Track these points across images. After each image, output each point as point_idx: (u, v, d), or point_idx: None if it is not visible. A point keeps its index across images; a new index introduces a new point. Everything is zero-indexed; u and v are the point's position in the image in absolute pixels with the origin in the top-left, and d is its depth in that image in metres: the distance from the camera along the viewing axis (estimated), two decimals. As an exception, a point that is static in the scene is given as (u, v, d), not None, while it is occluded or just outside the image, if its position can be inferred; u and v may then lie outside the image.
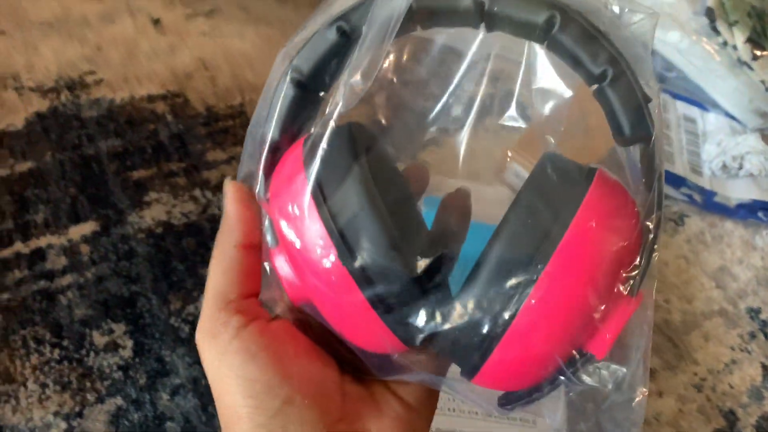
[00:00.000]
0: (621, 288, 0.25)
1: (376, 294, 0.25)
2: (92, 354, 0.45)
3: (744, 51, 0.66)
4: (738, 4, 0.67)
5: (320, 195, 0.25)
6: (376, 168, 0.26)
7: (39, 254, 0.49)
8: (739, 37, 0.66)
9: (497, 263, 0.25)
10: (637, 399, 0.27)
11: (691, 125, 0.72)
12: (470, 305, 0.25)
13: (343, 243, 0.25)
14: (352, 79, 0.25)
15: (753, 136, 0.69)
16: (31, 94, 0.57)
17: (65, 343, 0.46)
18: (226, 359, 0.25)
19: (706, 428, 0.52)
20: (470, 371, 0.26)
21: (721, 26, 0.66)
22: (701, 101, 0.74)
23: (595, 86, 0.26)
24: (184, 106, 0.60)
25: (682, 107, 0.73)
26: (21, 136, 0.54)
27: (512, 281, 0.24)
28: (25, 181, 0.52)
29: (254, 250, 0.27)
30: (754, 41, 0.66)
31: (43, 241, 0.50)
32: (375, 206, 0.25)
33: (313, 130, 0.26)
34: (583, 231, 0.24)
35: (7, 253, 0.48)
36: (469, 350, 0.25)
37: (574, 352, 0.25)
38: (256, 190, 0.28)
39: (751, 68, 0.67)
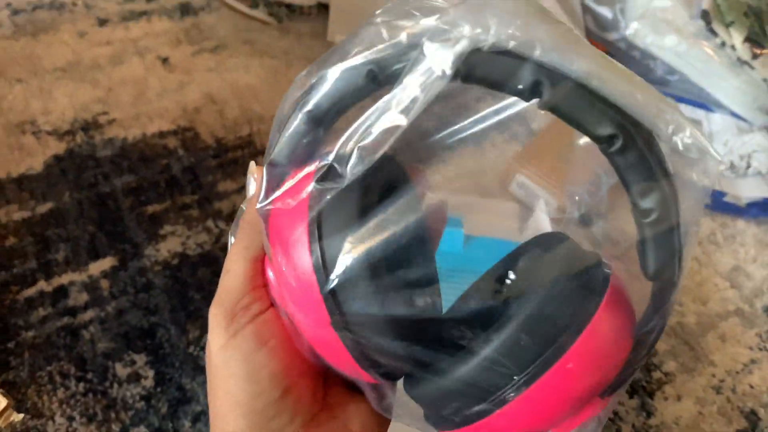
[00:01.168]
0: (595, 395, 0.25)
1: (354, 343, 0.25)
2: (116, 385, 0.47)
3: (743, 51, 0.66)
4: (734, 5, 0.67)
5: (316, 232, 0.24)
6: (392, 203, 0.25)
7: (62, 291, 0.51)
8: (737, 38, 0.66)
9: (481, 372, 0.24)
10: None
11: (697, 127, 0.72)
12: (451, 385, 0.25)
13: (335, 306, 0.24)
14: (362, 143, 0.24)
15: (759, 134, 0.69)
16: (48, 138, 0.59)
17: (89, 376, 0.47)
18: (237, 342, 0.26)
19: (728, 430, 0.52)
20: (435, 424, 0.26)
21: (717, 28, 0.66)
22: (705, 102, 0.74)
23: (634, 212, 0.25)
24: (195, 139, 0.62)
25: (686, 110, 0.73)
26: (40, 178, 0.57)
27: (499, 381, 0.24)
28: (46, 222, 0.54)
29: None
30: (752, 40, 0.66)
31: (65, 279, 0.51)
32: (380, 275, 0.24)
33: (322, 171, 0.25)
34: (587, 346, 0.24)
35: (31, 291, 0.50)
36: (441, 413, 0.26)
37: None
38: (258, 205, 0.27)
39: (752, 67, 0.67)
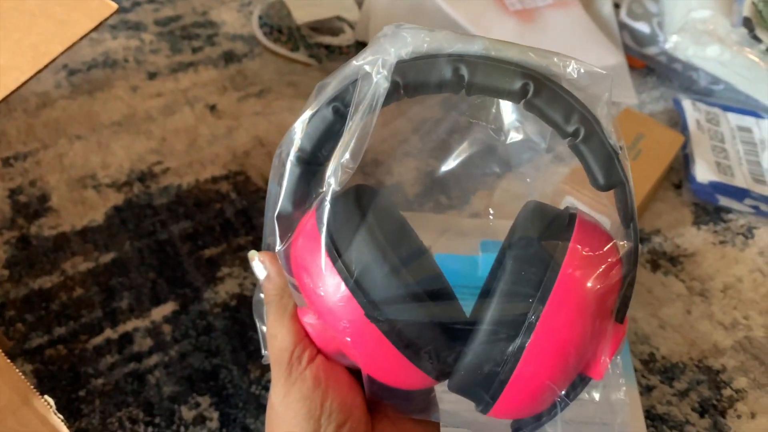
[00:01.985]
0: (610, 317, 0.29)
1: (402, 340, 0.28)
2: (182, 428, 0.48)
3: (790, 54, 0.65)
4: (776, 10, 0.66)
5: (335, 252, 0.28)
6: (383, 222, 0.29)
7: (127, 338, 0.52)
8: (782, 42, 0.65)
9: (498, 316, 0.28)
10: (615, 397, 0.31)
11: (747, 135, 0.71)
12: (480, 353, 0.28)
13: (365, 297, 0.28)
14: (342, 160, 0.28)
15: (815, 138, 0.67)
16: (107, 190, 0.62)
17: (157, 420, 0.48)
18: (297, 386, 0.30)
19: (809, 448, 0.50)
20: (485, 407, 0.29)
21: (761, 33, 0.65)
22: (755, 109, 0.73)
23: (570, 142, 0.29)
24: (246, 183, 0.64)
25: (734, 118, 0.72)
26: (102, 230, 0.59)
27: (512, 331, 0.28)
28: (110, 271, 0.56)
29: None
30: (798, 43, 0.65)
31: (129, 326, 0.53)
32: (386, 257, 0.28)
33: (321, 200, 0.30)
34: (570, 280, 0.28)
35: (98, 340, 0.52)
36: (482, 390, 0.29)
37: (575, 378, 0.29)
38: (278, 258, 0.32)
39: (800, 70, 0.66)
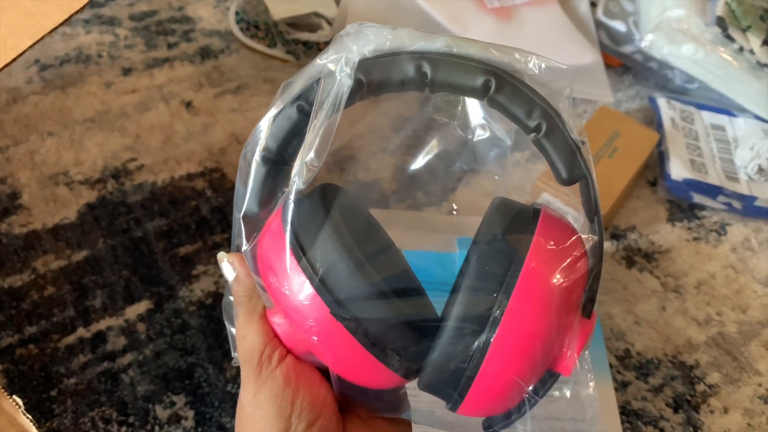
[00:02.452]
0: (577, 312, 0.29)
1: (368, 338, 0.28)
2: (157, 428, 0.47)
3: (762, 54, 0.66)
4: (749, 9, 0.67)
5: (299, 251, 0.28)
6: (349, 219, 0.29)
7: (100, 337, 0.52)
8: (754, 42, 0.66)
9: (463, 312, 0.28)
10: (585, 393, 0.31)
11: (721, 133, 0.72)
12: (446, 350, 0.28)
13: (330, 295, 0.28)
14: (306, 158, 0.28)
15: (786, 136, 0.68)
16: (80, 187, 0.61)
17: (131, 420, 0.48)
18: (267, 385, 0.30)
19: (780, 441, 0.50)
20: (453, 405, 0.29)
21: (734, 33, 0.66)
22: (728, 108, 0.74)
23: (533, 137, 0.29)
24: (222, 180, 0.63)
25: (708, 117, 0.73)
26: (75, 227, 0.58)
27: (478, 327, 0.28)
28: (82, 269, 0.55)
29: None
30: (770, 43, 0.66)
31: (102, 324, 0.52)
32: (351, 254, 0.28)
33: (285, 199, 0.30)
34: (534, 273, 0.28)
35: (71, 339, 0.51)
36: (450, 388, 0.29)
37: (544, 374, 0.29)
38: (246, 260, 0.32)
39: (772, 69, 0.67)
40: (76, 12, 0.39)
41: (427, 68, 0.29)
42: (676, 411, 0.51)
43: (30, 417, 0.35)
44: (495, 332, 0.27)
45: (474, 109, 0.34)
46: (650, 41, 0.70)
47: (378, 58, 0.29)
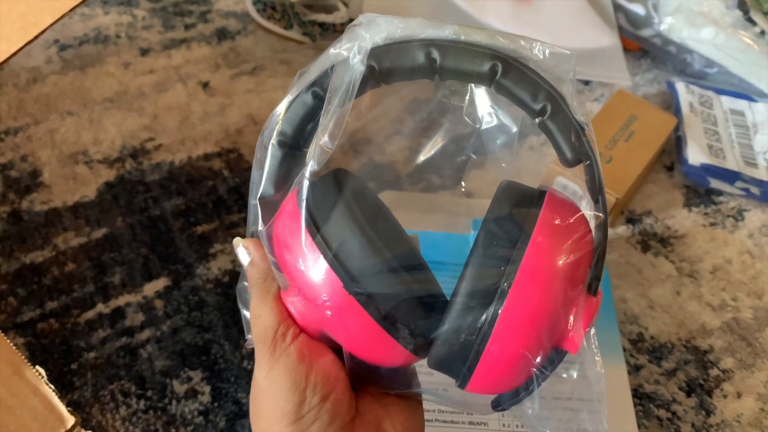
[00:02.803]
0: (583, 289, 0.29)
1: (380, 312, 0.29)
2: (174, 402, 0.48)
3: (784, 38, 0.65)
4: (771, -8, 0.66)
5: (314, 228, 0.29)
6: (360, 201, 0.30)
7: (119, 313, 0.53)
8: (776, 25, 0.65)
9: (472, 286, 0.29)
10: (592, 371, 0.31)
11: (740, 118, 0.71)
12: (455, 323, 0.29)
13: (343, 270, 0.28)
14: (321, 141, 0.30)
15: (806, 122, 0.67)
16: (99, 166, 0.62)
17: (149, 393, 0.49)
18: (281, 360, 0.30)
19: (793, 426, 0.50)
20: (462, 381, 0.30)
21: (755, 16, 0.65)
22: (748, 93, 0.73)
23: (538, 120, 0.30)
24: (239, 160, 0.63)
25: (727, 102, 0.72)
26: (94, 205, 0.59)
27: (486, 300, 0.28)
28: (102, 247, 0.56)
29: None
30: (793, 27, 0.65)
31: (121, 301, 0.53)
32: (363, 231, 0.29)
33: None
34: (540, 248, 0.28)
35: (91, 314, 0.52)
36: (459, 363, 0.29)
37: (551, 351, 0.29)
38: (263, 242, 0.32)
39: (794, 54, 0.66)
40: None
41: (436, 55, 0.30)
42: (688, 395, 0.51)
43: (53, 387, 0.36)
44: (503, 305, 0.28)
45: (482, 98, 0.35)
46: (669, 24, 0.69)
47: (389, 45, 0.30)
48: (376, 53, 0.30)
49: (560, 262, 0.28)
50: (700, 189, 0.66)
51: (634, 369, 0.52)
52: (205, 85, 0.70)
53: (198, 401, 0.49)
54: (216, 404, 0.48)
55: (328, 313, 0.29)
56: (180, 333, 0.52)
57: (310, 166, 0.30)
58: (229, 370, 0.50)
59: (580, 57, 0.72)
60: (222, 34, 0.76)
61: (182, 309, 0.53)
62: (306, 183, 0.30)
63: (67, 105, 0.67)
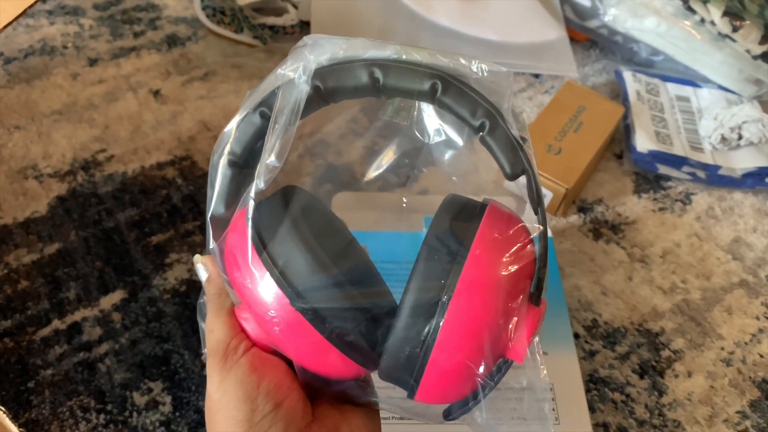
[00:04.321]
0: (525, 300, 0.30)
1: (327, 327, 0.29)
2: (135, 414, 0.48)
3: (723, 25, 0.67)
4: (709, -19, 0.68)
5: (260, 245, 0.30)
6: (308, 216, 0.31)
7: (75, 328, 0.52)
8: (715, 13, 0.67)
9: (414, 300, 0.29)
10: (537, 383, 0.32)
11: (685, 104, 0.73)
12: (400, 337, 0.29)
13: (289, 286, 0.29)
14: (267, 161, 0.30)
15: (748, 105, 0.69)
16: (50, 180, 0.61)
17: (109, 407, 0.48)
18: (233, 372, 0.31)
19: (741, 401, 0.52)
20: (411, 392, 0.31)
21: (695, 5, 0.67)
22: (692, 79, 0.75)
23: (479, 135, 0.31)
24: (192, 167, 0.63)
25: (673, 88, 0.74)
26: (46, 220, 0.58)
27: (428, 314, 0.29)
28: (55, 262, 0.56)
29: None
30: (731, 14, 0.67)
31: (77, 316, 0.53)
32: (308, 247, 0.30)
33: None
34: (479, 261, 0.29)
35: (46, 331, 0.52)
36: (406, 375, 0.30)
37: (496, 361, 0.30)
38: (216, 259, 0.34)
39: (733, 40, 0.68)
40: (30, 6, 0.39)
41: (379, 74, 0.31)
42: (641, 377, 0.53)
43: (3, 409, 0.36)
44: (443, 317, 0.28)
45: (430, 114, 0.36)
46: (613, 15, 0.71)
47: (333, 66, 0.31)
48: (320, 73, 0.31)
49: (499, 274, 0.29)
50: (649, 175, 0.68)
51: (589, 355, 0.54)
52: (156, 93, 0.70)
53: (159, 412, 0.49)
54: (177, 414, 0.48)
55: (276, 329, 0.30)
56: (139, 345, 0.52)
57: (255, 185, 0.31)
58: (189, 379, 0.50)
59: (528, 51, 0.73)
60: (172, 41, 0.76)
61: (140, 320, 0.53)
62: (251, 202, 0.30)
63: (14, 119, 0.66)
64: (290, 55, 0.33)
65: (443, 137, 0.36)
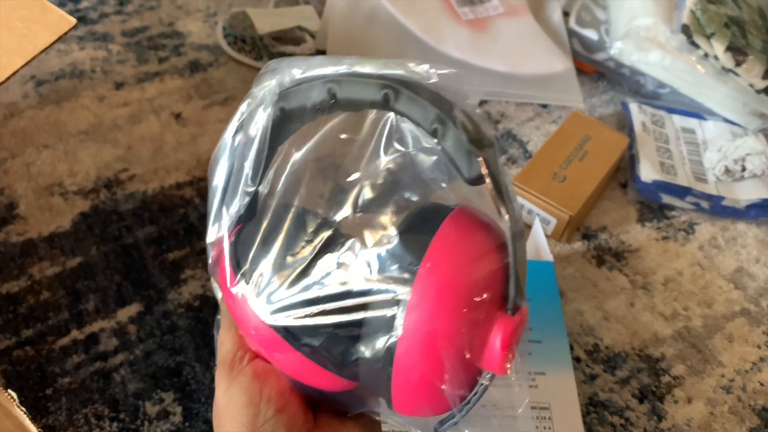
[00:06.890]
0: (495, 308, 0.29)
1: (302, 343, 0.31)
2: (146, 423, 0.50)
3: (726, 59, 0.69)
4: (713, 17, 0.70)
5: (237, 265, 0.32)
6: (279, 234, 0.32)
7: (93, 338, 0.54)
8: (718, 48, 0.68)
9: (373, 315, 0.29)
10: (514, 396, 0.31)
11: (691, 136, 0.74)
12: (366, 350, 0.30)
13: (263, 305, 0.31)
14: (241, 185, 0.32)
15: (752, 138, 0.71)
16: (74, 197, 0.64)
17: (122, 416, 0.50)
18: (238, 379, 0.33)
19: (741, 428, 0.53)
20: (389, 403, 0.31)
21: (698, 40, 0.69)
22: (698, 112, 0.77)
23: (435, 141, 0.30)
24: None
25: (679, 120, 0.76)
26: (69, 235, 0.61)
27: (386, 328, 0.29)
28: (76, 275, 0.58)
29: None
30: (734, 49, 0.68)
31: (95, 327, 0.55)
32: (281, 265, 0.31)
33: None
34: (431, 271, 0.28)
35: (65, 341, 0.54)
36: (381, 387, 0.30)
37: (474, 372, 0.29)
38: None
39: (736, 74, 0.70)
40: (65, 33, 0.42)
41: (335, 89, 0.31)
42: (641, 401, 0.54)
43: (24, 409, 0.38)
44: (401, 330, 0.28)
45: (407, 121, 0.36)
46: (619, 49, 0.73)
47: (294, 87, 0.32)
48: (284, 95, 0.32)
49: (457, 283, 0.28)
50: (653, 204, 0.69)
51: (589, 378, 0.55)
52: (178, 116, 0.73)
53: (170, 422, 0.50)
54: (187, 424, 0.50)
55: (258, 345, 0.32)
56: (152, 356, 0.54)
57: (232, 207, 0.33)
58: (200, 391, 0.52)
59: (536, 82, 0.75)
60: (194, 67, 0.79)
61: (155, 333, 0.55)
62: (226, 225, 0.33)
63: (43, 138, 0.69)
64: (255, 81, 0.34)
65: (435, 157, 0.34)
